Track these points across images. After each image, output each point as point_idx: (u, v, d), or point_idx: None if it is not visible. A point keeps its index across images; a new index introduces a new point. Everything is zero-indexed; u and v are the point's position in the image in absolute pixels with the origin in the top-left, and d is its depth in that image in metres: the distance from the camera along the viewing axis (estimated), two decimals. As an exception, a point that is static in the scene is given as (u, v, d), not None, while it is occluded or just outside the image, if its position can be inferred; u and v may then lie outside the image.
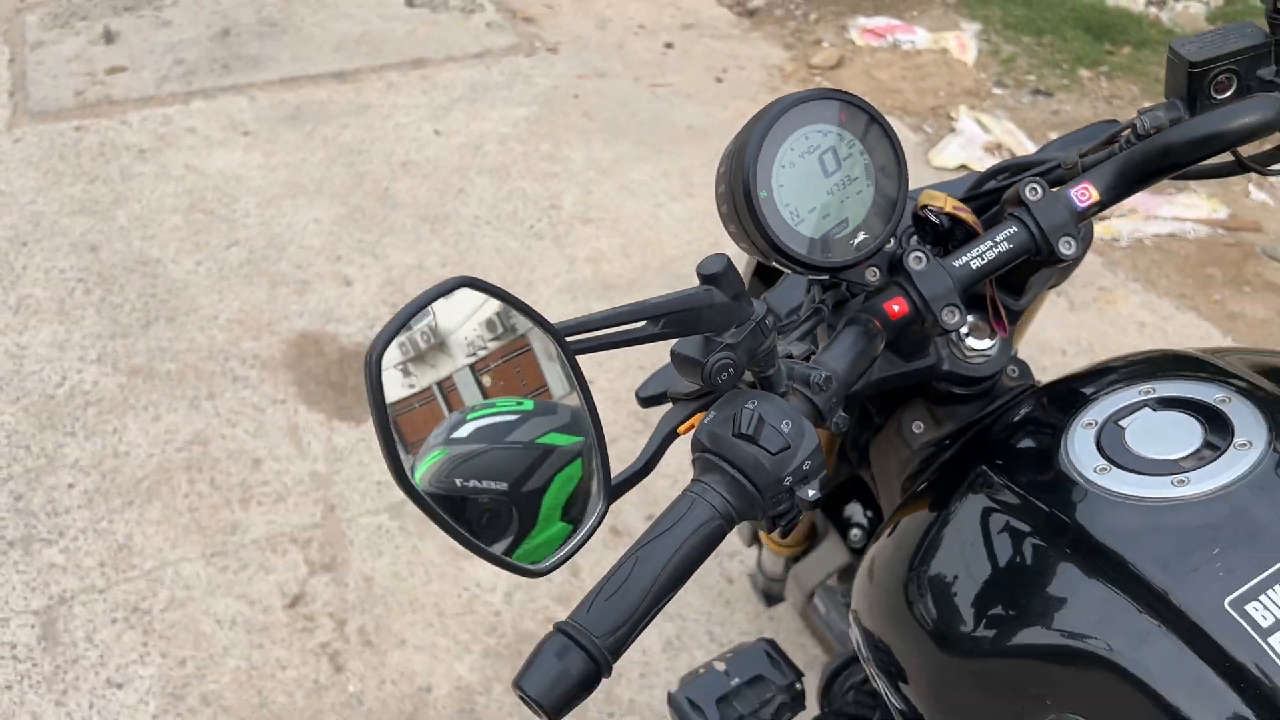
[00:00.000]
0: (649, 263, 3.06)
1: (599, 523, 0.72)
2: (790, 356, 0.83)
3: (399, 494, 0.70)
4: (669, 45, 4.35)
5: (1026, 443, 0.91)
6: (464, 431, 0.68)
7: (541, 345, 0.70)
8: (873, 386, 0.99)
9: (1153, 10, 4.79)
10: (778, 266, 0.84)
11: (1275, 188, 3.57)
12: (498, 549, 0.69)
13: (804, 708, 1.22)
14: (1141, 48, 4.41)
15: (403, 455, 0.64)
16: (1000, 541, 0.85)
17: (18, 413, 2.48)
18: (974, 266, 0.88)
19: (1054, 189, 0.91)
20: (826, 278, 0.87)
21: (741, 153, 0.80)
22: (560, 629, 0.67)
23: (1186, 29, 4.58)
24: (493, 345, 0.69)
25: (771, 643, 1.24)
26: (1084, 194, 0.91)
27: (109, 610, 2.05)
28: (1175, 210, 3.38)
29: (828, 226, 0.82)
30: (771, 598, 1.80)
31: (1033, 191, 0.89)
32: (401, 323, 0.64)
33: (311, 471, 2.36)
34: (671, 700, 1.22)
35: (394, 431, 0.64)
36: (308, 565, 2.15)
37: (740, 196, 0.80)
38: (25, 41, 4.16)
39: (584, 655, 0.67)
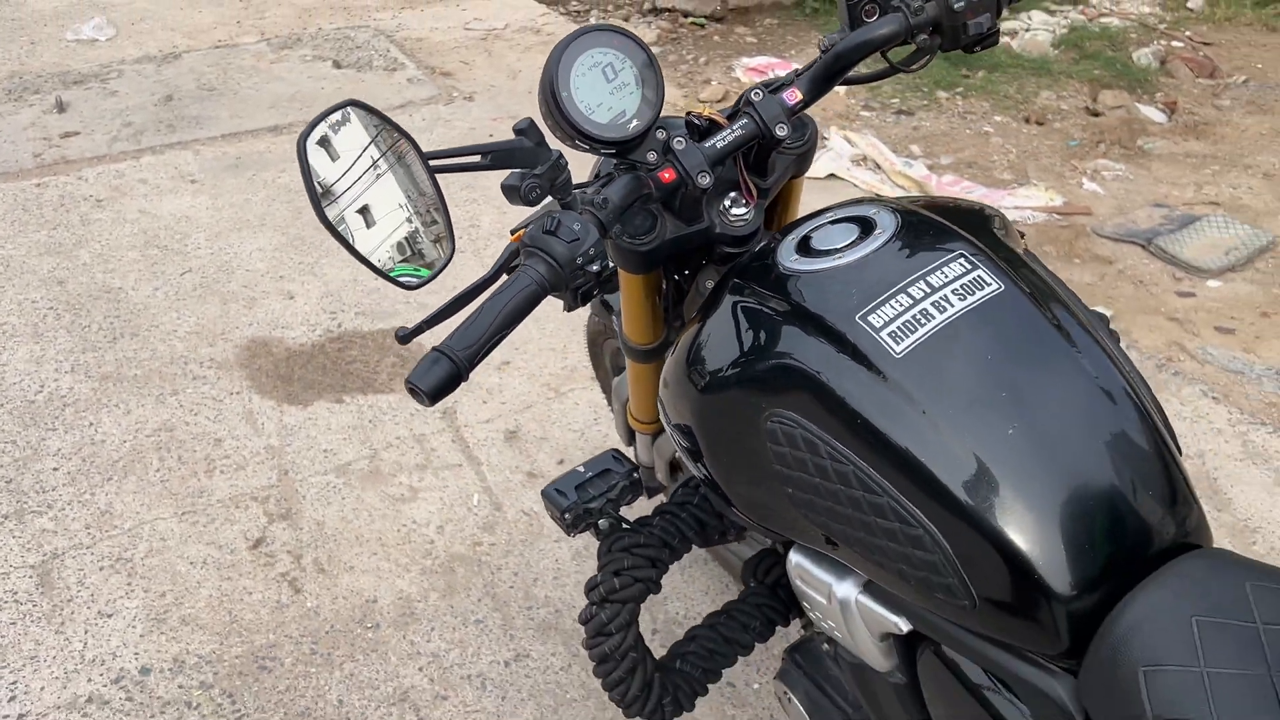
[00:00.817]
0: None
1: (447, 263, 1.14)
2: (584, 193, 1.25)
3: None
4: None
5: (758, 260, 1.33)
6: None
7: (412, 158, 1.12)
8: (669, 246, 1.41)
9: (1005, 39, 5.38)
10: (581, 147, 1.26)
11: (1105, 180, 4.10)
12: (381, 268, 1.11)
13: (641, 492, 1.61)
14: (994, 71, 4.97)
15: (323, 204, 1.06)
16: (740, 316, 1.26)
17: (2, 416, 2.82)
18: (719, 146, 1.31)
19: (772, 94, 1.34)
20: (616, 155, 1.29)
21: (550, 65, 1.22)
22: (436, 349, 1.08)
23: (1033, 54, 5.17)
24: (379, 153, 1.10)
25: (616, 451, 1.64)
26: (792, 95, 1.34)
27: (96, 561, 2.39)
28: (1016, 200, 3.88)
29: (611, 116, 1.25)
30: (651, 490, 2.19)
31: (756, 94, 1.32)
32: (313, 123, 1.05)
33: (266, 445, 2.72)
34: (544, 493, 1.60)
35: (316, 186, 1.05)
36: (266, 516, 2.51)
37: (549, 96, 1.22)
38: (-18, 114, 4.53)
39: (450, 363, 1.07)
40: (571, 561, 2.39)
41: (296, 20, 5.64)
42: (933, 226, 1.21)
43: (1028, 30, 5.46)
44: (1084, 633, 1.02)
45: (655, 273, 1.51)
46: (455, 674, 2.13)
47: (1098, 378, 1.09)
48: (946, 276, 1.14)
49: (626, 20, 5.63)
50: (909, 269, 1.15)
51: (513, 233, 1.22)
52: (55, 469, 2.65)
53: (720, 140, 1.32)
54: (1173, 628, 0.96)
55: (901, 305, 1.12)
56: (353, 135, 1.12)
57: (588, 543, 2.43)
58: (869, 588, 1.22)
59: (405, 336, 1.20)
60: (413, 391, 1.08)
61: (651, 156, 1.29)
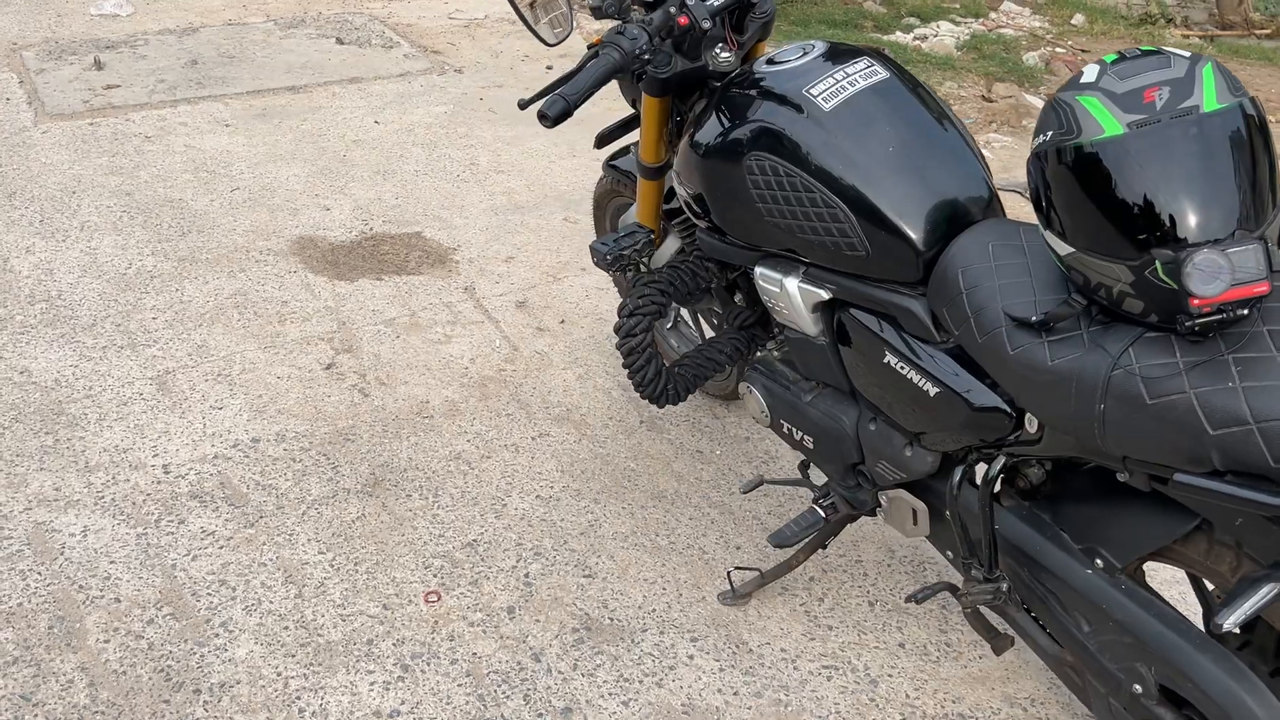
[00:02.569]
0: (546, 194, 4.22)
1: (568, 35, 1.89)
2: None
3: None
4: (549, 68, 5.59)
5: (740, 75, 2.08)
6: None
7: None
8: (678, 77, 2.16)
9: (916, 41, 6.27)
10: None
11: (995, 149, 4.97)
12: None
13: (655, 249, 2.35)
14: (907, 65, 5.84)
15: None
16: (729, 105, 2.01)
17: (102, 284, 3.46)
18: (715, 4, 2.07)
19: None
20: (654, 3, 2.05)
21: None
22: (555, 94, 1.82)
23: (940, 54, 6.07)
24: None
25: (639, 223, 2.39)
26: None
27: (201, 376, 3.05)
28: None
29: None
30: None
31: None
32: None
33: (325, 306, 3.41)
34: (591, 246, 2.33)
35: None
36: (333, 350, 3.19)
37: None
38: (28, 69, 5.14)
39: (565, 102, 1.82)
40: (576, 383, 3.10)
41: (297, 5, 6.33)
42: (848, 47, 1.99)
43: (935, 36, 6.37)
44: (930, 267, 1.79)
45: (666, 100, 2.26)
46: (494, 443, 2.84)
47: (942, 122, 1.87)
48: (856, 69, 1.91)
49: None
50: (834, 65, 1.92)
51: (589, 47, 1.97)
52: (154, 318, 3.30)
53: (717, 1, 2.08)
54: (977, 248, 1.73)
55: (829, 84, 1.89)
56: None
57: (589, 369, 3.15)
58: (805, 274, 1.97)
59: (524, 103, 1.94)
60: (541, 117, 1.82)
61: (674, 9, 2.05)
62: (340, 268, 3.63)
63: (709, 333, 2.87)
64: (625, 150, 2.83)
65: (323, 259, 3.68)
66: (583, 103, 1.86)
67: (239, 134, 4.60)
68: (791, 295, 1.99)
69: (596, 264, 2.34)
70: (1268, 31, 6.93)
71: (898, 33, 6.42)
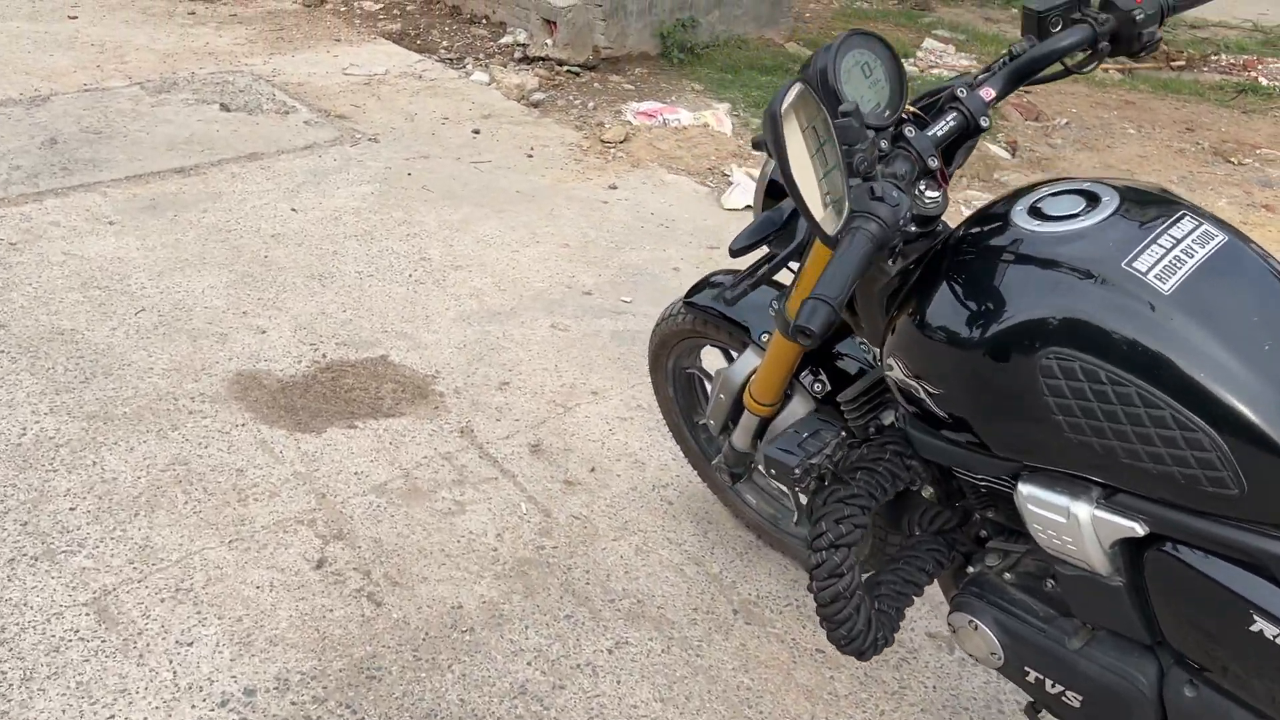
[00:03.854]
0: (521, 295, 3.60)
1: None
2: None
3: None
4: (476, 131, 4.95)
5: (987, 226, 1.56)
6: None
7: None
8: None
9: (856, 88, 5.89)
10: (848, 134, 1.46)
11: (973, 203, 4.60)
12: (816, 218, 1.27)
13: (848, 443, 1.81)
14: (855, 115, 5.44)
15: (790, 168, 1.22)
16: (988, 274, 1.48)
17: (-11, 461, 2.67)
18: (939, 134, 1.54)
19: (972, 91, 1.59)
20: (872, 134, 1.50)
21: (824, 63, 1.42)
22: (813, 298, 1.25)
23: (885, 100, 5.70)
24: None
25: (819, 413, 1.83)
26: (988, 93, 1.59)
27: (153, 593, 2.32)
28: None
29: (869, 106, 1.46)
30: (735, 475, 2.36)
31: (961, 92, 1.57)
32: (781, 97, 1.21)
33: (293, 472, 2.71)
34: (768, 454, 1.76)
35: (785, 150, 1.21)
36: (319, 538, 2.50)
37: (822, 87, 1.42)
38: None
39: (828, 307, 1.24)
40: (636, 558, 2.51)
41: (161, 65, 5.49)
42: (1147, 194, 1.49)
43: (872, 80, 6.01)
44: None
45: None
46: (564, 665, 2.22)
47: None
48: (1183, 230, 1.41)
49: (504, 68, 5.80)
50: (1151, 226, 1.41)
51: (755, 146, 1.41)
52: (72, 508, 2.54)
53: (940, 129, 1.55)
54: None
55: (1157, 253, 1.38)
56: (803, 107, 1.27)
57: (646, 538, 2.57)
58: (1105, 500, 1.45)
59: (732, 298, 1.37)
60: (802, 332, 1.24)
61: (884, 144, 1.51)
62: (299, 414, 2.92)
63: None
64: (704, 284, 2.27)
65: (274, 404, 2.96)
66: (846, 300, 1.30)
67: (128, 234, 3.80)
68: (1083, 527, 1.47)
69: (776, 477, 1.77)
70: (1180, 63, 6.89)
71: (831, 77, 6.03)
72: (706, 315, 2.20)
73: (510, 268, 3.77)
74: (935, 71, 6.29)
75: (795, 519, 2.41)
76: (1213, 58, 7.02)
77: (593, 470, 2.79)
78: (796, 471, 1.71)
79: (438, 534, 2.54)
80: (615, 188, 4.47)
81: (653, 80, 5.84)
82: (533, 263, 3.81)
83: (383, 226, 3.99)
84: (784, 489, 2.49)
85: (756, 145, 1.54)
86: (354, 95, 5.30)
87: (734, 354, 2.29)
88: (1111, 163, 5.13)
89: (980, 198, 4.69)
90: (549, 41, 5.94)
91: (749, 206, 4.36)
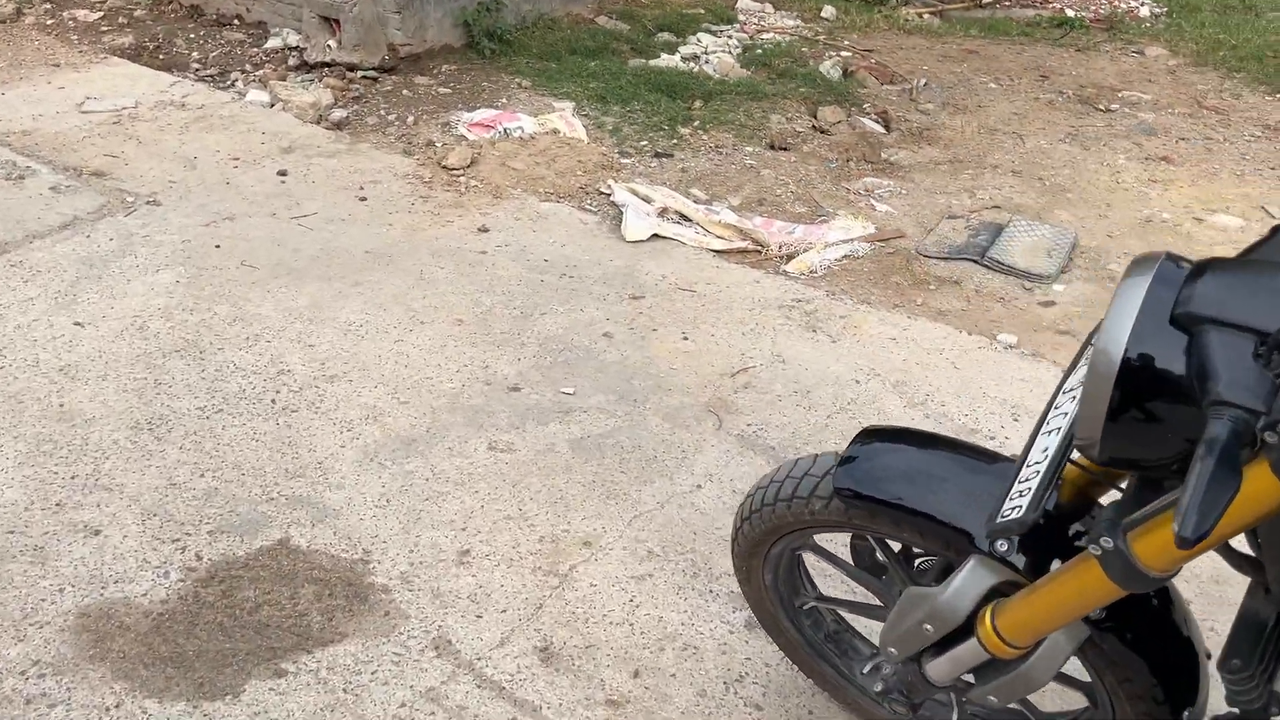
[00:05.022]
0: (432, 405, 2.76)
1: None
2: None
3: None
4: (282, 173, 3.96)
5: None
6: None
7: None
8: None
9: (694, 66, 5.27)
10: None
11: (885, 198, 4.09)
12: None
13: None
14: (709, 99, 4.82)
15: None
16: None
17: None
18: None
19: None
20: None
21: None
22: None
23: (731, 77, 5.10)
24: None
25: None
26: None
27: None
28: (839, 234, 3.74)
29: None
30: (915, 705, 1.70)
31: None
32: None
33: (219, 777, 1.82)
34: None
35: None
36: None
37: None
38: None
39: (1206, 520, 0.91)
40: (753, 808, 1.82)
41: None
42: None
43: (705, 54, 5.39)
44: None
45: None
46: None
47: None
48: None
49: (285, 82, 4.76)
50: None
51: None
52: None
53: None
54: None
55: None
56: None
57: (750, 774, 1.88)
58: None
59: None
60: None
61: None
62: (194, 668, 2.01)
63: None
64: (859, 458, 1.58)
65: (151, 656, 2.03)
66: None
67: None
68: None
69: None
70: (988, 1, 6.66)
71: (663, 55, 5.35)
72: (891, 511, 1.51)
73: (401, 366, 2.90)
74: (767, 36, 5.73)
75: None
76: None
77: (636, 675, 2.05)
78: None
79: None
80: (486, 230, 3.64)
81: (469, 79, 4.96)
82: (427, 353, 2.96)
83: (209, 331, 3.01)
84: None
85: None
86: (105, 141, 4.14)
87: (911, 550, 1.64)
88: (992, 124, 4.75)
89: (885, 185, 4.18)
90: (332, 43, 4.94)
91: (656, 235, 3.64)
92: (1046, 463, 1.24)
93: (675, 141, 4.43)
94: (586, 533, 2.37)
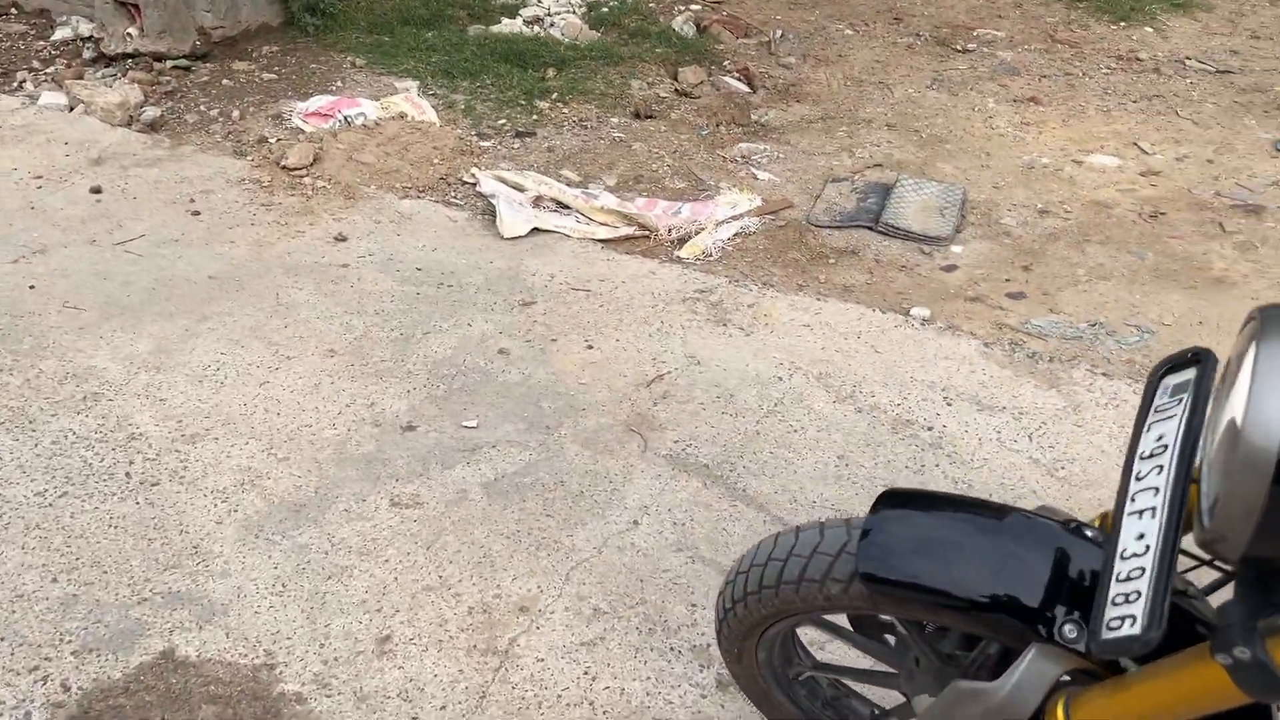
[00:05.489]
0: (316, 458, 2.41)
1: None
2: None
3: None
4: (97, 190, 3.46)
5: None
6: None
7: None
8: None
9: (539, 30, 4.93)
10: None
11: (764, 164, 3.89)
12: None
13: None
14: (563, 67, 4.51)
15: None
16: None
17: None
18: None
19: None
20: None
21: None
22: None
23: (579, 39, 4.79)
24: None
25: None
26: None
27: None
28: (728, 210, 3.52)
29: None
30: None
31: None
32: None
33: None
34: None
35: None
36: None
37: None
38: None
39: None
40: None
41: None
42: None
43: (549, 16, 5.05)
44: None
45: None
46: None
47: None
48: None
49: (84, 80, 4.19)
50: None
51: None
52: None
53: None
54: None
55: None
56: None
57: None
58: None
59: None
60: None
61: None
62: (83, 839, 1.66)
63: None
64: (884, 535, 1.35)
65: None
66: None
67: None
68: None
69: None
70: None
71: (503, 19, 4.98)
72: (928, 596, 1.29)
73: (273, 415, 2.54)
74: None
75: None
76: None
77: (614, 771, 1.81)
78: None
79: None
80: (344, 238, 3.26)
81: (294, 61, 4.48)
82: (300, 395, 2.60)
83: (36, 394, 2.57)
84: None
85: None
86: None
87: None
88: (857, 75, 4.59)
89: (761, 150, 3.97)
90: (132, 31, 4.38)
91: (536, 230, 3.34)
92: (1153, 559, 1.05)
93: (535, 117, 4.11)
94: (521, 595, 2.10)
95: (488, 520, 2.27)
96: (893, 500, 1.38)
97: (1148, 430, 1.15)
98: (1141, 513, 1.09)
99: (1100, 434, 2.56)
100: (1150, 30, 5.15)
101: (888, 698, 1.70)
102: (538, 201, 3.48)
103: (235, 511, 2.27)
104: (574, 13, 5.09)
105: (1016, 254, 3.34)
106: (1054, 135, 4.11)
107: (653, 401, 2.62)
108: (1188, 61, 4.80)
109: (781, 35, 4.98)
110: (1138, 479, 1.12)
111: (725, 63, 4.69)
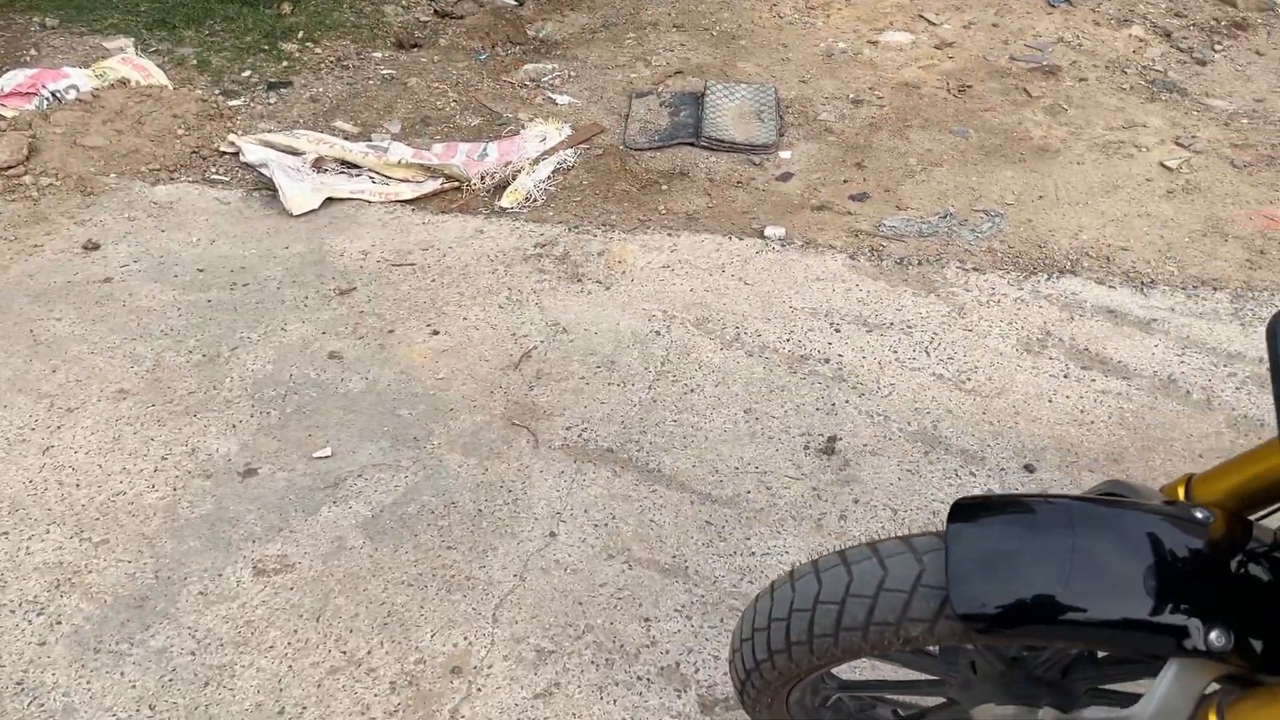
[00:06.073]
0: (145, 531, 1.96)
1: None
2: None
3: None
4: None
5: None
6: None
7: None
8: None
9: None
10: None
11: (558, 86, 3.54)
12: None
13: None
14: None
15: None
16: None
17: None
18: None
19: None
20: None
21: None
22: None
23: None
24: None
25: None
26: None
27: None
28: (535, 147, 3.16)
29: None
30: None
31: None
32: None
33: None
34: None
35: None
36: None
37: None
38: None
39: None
40: None
41: None
42: None
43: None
44: None
45: None
46: None
47: None
48: None
49: None
50: None
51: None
52: None
53: None
54: None
55: None
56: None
57: None
58: None
59: None
60: None
61: None
62: None
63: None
64: (975, 562, 1.12)
65: None
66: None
67: None
68: None
69: None
70: None
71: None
72: (1044, 630, 1.08)
73: (71, 487, 2.04)
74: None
75: None
76: None
77: None
78: None
79: None
80: (96, 245, 2.69)
81: (-31, 30, 3.69)
82: (100, 456, 2.10)
83: None
84: None
85: None
86: None
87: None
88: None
89: (544, 69, 3.60)
90: None
91: (330, 199, 2.87)
92: None
93: (286, 63, 3.56)
94: (448, 654, 1.77)
95: (379, 570, 1.90)
96: (967, 514, 1.15)
97: None
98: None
99: (991, 335, 2.46)
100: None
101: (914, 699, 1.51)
102: (319, 165, 3.00)
103: (58, 626, 1.80)
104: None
105: (845, 151, 3.18)
106: (842, 17, 3.96)
107: (527, 385, 2.29)
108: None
109: (533, -62, 4.56)
110: None
111: (479, -21, 4.24)
